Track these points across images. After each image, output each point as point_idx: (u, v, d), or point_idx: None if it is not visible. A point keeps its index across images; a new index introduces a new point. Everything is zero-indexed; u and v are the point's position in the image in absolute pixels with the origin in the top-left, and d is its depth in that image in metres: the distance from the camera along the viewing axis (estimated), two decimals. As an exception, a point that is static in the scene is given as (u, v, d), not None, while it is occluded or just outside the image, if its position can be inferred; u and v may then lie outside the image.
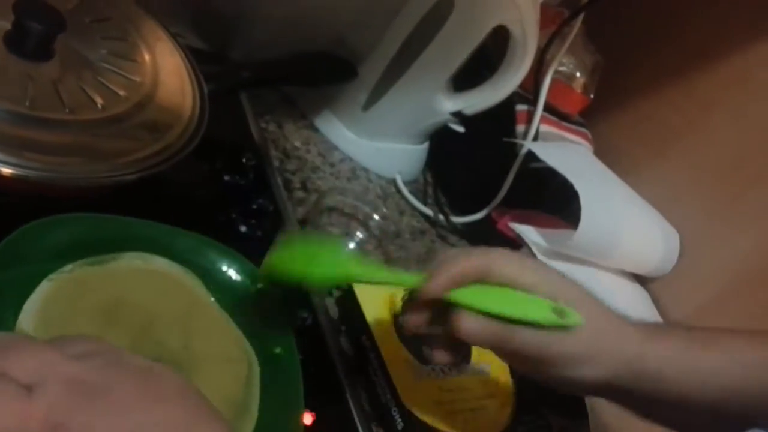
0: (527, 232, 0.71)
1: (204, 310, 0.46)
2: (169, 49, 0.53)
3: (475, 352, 0.57)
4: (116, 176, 0.43)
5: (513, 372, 0.61)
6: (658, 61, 0.83)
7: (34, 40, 0.43)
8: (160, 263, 0.46)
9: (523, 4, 0.64)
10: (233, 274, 0.49)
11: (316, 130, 0.75)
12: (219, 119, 0.53)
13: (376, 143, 0.76)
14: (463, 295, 0.43)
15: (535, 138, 0.75)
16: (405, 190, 0.77)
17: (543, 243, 0.69)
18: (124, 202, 0.45)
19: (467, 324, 0.43)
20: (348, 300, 0.57)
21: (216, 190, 0.58)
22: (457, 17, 0.66)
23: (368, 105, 0.73)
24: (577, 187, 0.66)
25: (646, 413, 0.49)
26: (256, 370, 0.46)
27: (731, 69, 0.76)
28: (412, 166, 0.80)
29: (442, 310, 0.45)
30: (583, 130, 0.82)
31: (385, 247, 0.64)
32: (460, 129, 0.78)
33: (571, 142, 0.80)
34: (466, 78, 0.73)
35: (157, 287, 0.45)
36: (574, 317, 0.43)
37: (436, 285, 0.44)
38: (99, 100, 0.44)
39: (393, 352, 0.54)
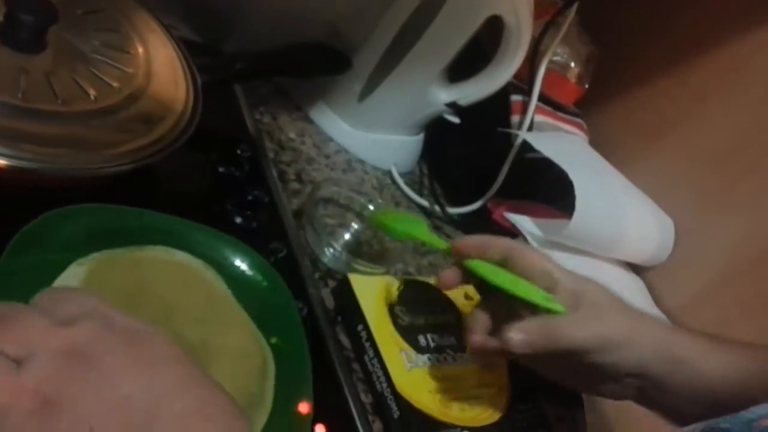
0: (523, 222, 0.71)
1: (222, 304, 0.47)
2: (162, 40, 0.53)
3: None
4: (110, 167, 0.43)
5: (509, 361, 0.62)
6: (652, 51, 0.83)
7: (26, 32, 0.43)
8: (182, 256, 0.47)
9: (516, -7, 0.64)
10: (245, 268, 0.49)
11: (311, 121, 0.75)
12: (213, 111, 0.53)
13: (371, 135, 0.76)
14: (478, 266, 0.52)
15: (530, 128, 0.75)
16: (401, 182, 0.77)
17: (538, 233, 0.70)
18: (118, 194, 0.45)
19: (514, 336, 0.48)
20: (344, 290, 0.57)
21: (211, 181, 0.58)
22: (451, 7, 0.66)
23: (363, 96, 0.73)
24: (572, 176, 0.66)
25: (671, 407, 0.52)
26: (271, 363, 0.46)
27: (725, 59, 0.76)
28: (408, 158, 0.80)
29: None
30: (578, 120, 0.82)
31: (381, 238, 0.64)
32: (455, 120, 0.78)
33: (566, 132, 0.80)
34: (461, 69, 0.73)
35: (178, 279, 0.46)
36: (558, 306, 0.50)
37: (465, 242, 0.54)
38: (92, 92, 0.44)
39: (389, 341, 0.54)
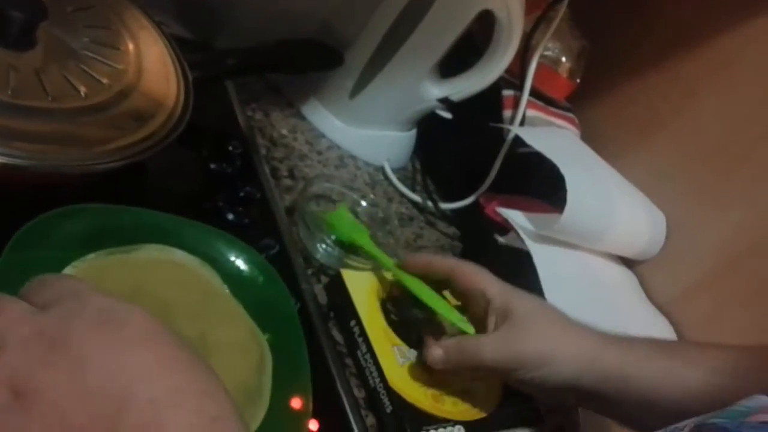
0: (515, 216, 0.71)
1: (219, 300, 0.47)
2: (152, 37, 0.53)
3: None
4: (101, 164, 0.43)
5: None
6: (643, 46, 0.84)
7: (15, 29, 0.43)
8: (178, 255, 0.47)
9: (507, -12, 0.65)
10: (241, 264, 0.49)
11: (303, 118, 0.75)
12: (205, 108, 0.53)
13: (363, 131, 0.76)
14: (408, 281, 0.56)
15: (522, 123, 0.75)
16: (393, 177, 0.77)
17: (530, 227, 0.70)
18: (109, 190, 0.46)
19: (433, 351, 0.52)
20: (336, 286, 0.57)
21: (202, 178, 0.58)
22: (443, 2, 0.66)
23: (355, 92, 0.73)
24: (564, 171, 0.66)
25: (614, 414, 0.54)
26: (269, 357, 0.46)
27: (715, 53, 0.77)
28: (400, 153, 0.80)
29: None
30: (570, 114, 0.82)
31: (374, 234, 0.64)
32: (448, 115, 0.78)
33: (558, 126, 0.80)
34: (453, 64, 0.73)
35: (174, 278, 0.46)
36: (468, 327, 0.54)
37: (414, 259, 0.58)
38: (82, 89, 0.44)
39: (381, 336, 0.55)
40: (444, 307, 0.56)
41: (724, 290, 0.74)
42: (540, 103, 0.78)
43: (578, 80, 0.81)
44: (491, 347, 0.50)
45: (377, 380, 0.52)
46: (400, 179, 0.77)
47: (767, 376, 0.47)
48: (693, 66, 0.79)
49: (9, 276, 0.37)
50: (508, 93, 0.76)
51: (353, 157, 0.76)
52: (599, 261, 0.75)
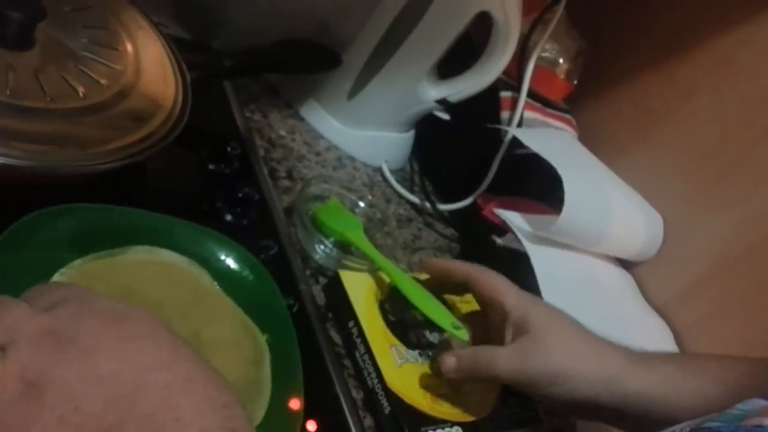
0: (512, 218, 0.71)
1: (210, 297, 0.47)
2: (151, 37, 0.53)
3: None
4: (99, 165, 0.42)
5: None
6: (640, 47, 0.84)
7: (14, 29, 0.43)
8: (166, 255, 0.47)
9: (505, -10, 0.65)
10: (231, 263, 0.49)
11: (301, 119, 0.75)
12: (203, 109, 0.53)
13: (361, 132, 0.76)
14: (403, 284, 0.56)
15: (520, 124, 0.75)
16: (391, 179, 0.77)
17: (528, 228, 0.70)
18: (108, 191, 0.45)
19: (447, 360, 0.51)
20: (334, 287, 0.57)
21: (201, 179, 0.58)
22: (440, 4, 0.66)
23: (353, 93, 0.73)
24: (561, 172, 0.66)
25: (634, 429, 0.51)
26: (266, 351, 0.47)
27: (712, 55, 0.77)
28: (399, 155, 0.81)
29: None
30: (568, 116, 0.82)
31: (372, 235, 0.64)
32: (446, 116, 0.78)
33: (556, 128, 0.80)
34: (451, 65, 0.73)
35: (163, 278, 0.46)
36: (463, 334, 0.54)
37: (434, 263, 0.58)
38: (80, 89, 0.44)
39: (379, 338, 0.55)
40: (436, 310, 0.56)
41: (720, 291, 0.74)
42: (537, 105, 0.79)
43: (575, 82, 0.81)
44: (505, 361, 0.49)
45: (375, 381, 0.52)
46: (398, 180, 0.77)
47: None
48: (689, 67, 0.79)
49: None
50: (505, 94, 0.76)
51: (351, 158, 0.76)
52: (596, 262, 0.76)
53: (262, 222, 0.58)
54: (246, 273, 0.49)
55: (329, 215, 0.61)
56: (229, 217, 0.55)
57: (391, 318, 0.57)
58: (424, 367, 0.55)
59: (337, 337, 0.56)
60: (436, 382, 0.55)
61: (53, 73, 0.44)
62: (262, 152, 0.67)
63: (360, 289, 0.57)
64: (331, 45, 0.69)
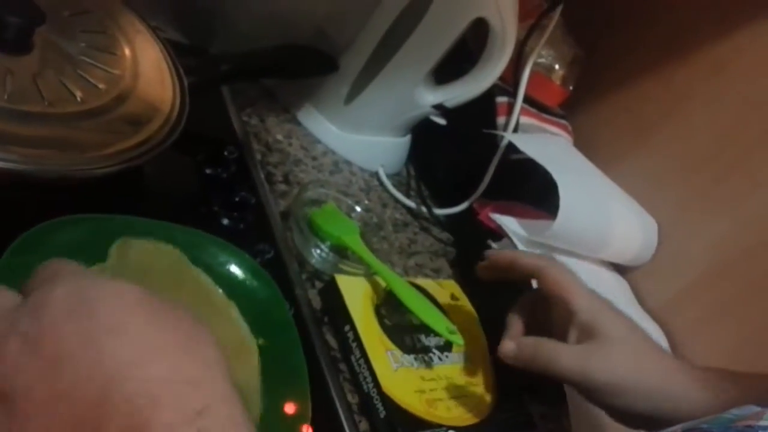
0: (508, 222, 0.71)
1: (213, 302, 0.47)
2: (148, 41, 0.53)
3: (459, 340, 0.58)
4: (97, 169, 0.43)
5: (493, 361, 0.62)
6: (635, 53, 0.84)
7: (12, 34, 0.43)
8: (166, 259, 0.47)
9: (501, -4, 0.65)
10: (234, 269, 0.50)
11: (298, 123, 0.75)
12: (201, 113, 0.53)
13: (358, 136, 0.76)
14: (397, 287, 0.57)
15: (516, 130, 0.76)
16: (388, 183, 0.77)
17: (523, 233, 0.70)
18: (105, 195, 0.46)
19: (506, 344, 0.50)
20: (330, 291, 0.57)
21: (198, 183, 0.58)
22: (437, 9, 0.66)
23: (350, 98, 0.73)
24: (557, 178, 0.67)
25: None
26: (256, 358, 0.47)
27: (707, 61, 0.77)
28: (395, 159, 0.81)
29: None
30: (563, 121, 0.83)
31: (368, 239, 0.65)
32: (442, 121, 0.78)
33: (551, 133, 0.80)
34: (447, 71, 0.73)
35: (166, 282, 0.46)
36: (458, 339, 0.56)
37: (498, 257, 0.56)
38: (78, 94, 0.44)
39: (375, 342, 0.55)
40: (431, 315, 0.56)
41: (715, 296, 0.74)
42: (533, 110, 0.79)
43: (571, 87, 0.82)
44: (570, 359, 0.48)
45: (371, 385, 0.53)
46: (394, 185, 0.78)
47: None
48: (685, 73, 0.80)
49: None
50: (501, 100, 0.76)
51: (348, 163, 0.76)
52: (592, 267, 0.76)
53: (258, 226, 0.58)
54: (249, 279, 0.50)
55: (326, 219, 0.62)
56: (225, 221, 0.56)
57: (387, 322, 0.57)
58: (419, 371, 0.56)
59: (332, 341, 0.56)
60: (431, 387, 0.55)
61: (51, 78, 0.44)
62: (259, 156, 0.67)
63: (356, 294, 0.57)
64: (329, 50, 0.69)
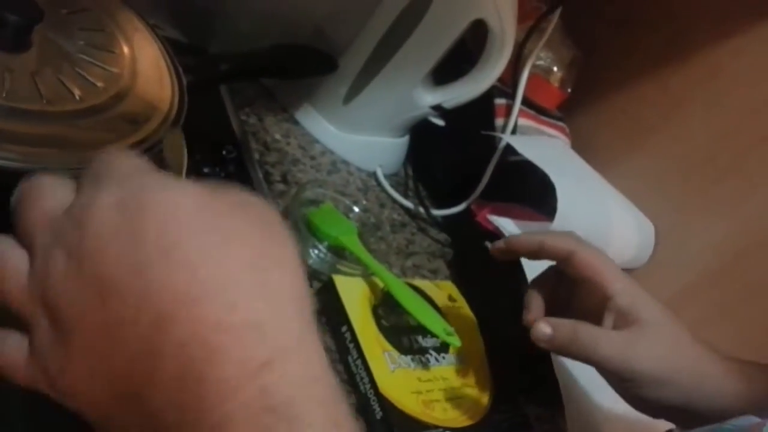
0: (505, 224, 0.71)
1: None
2: (147, 40, 0.53)
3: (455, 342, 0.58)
4: (95, 168, 0.42)
5: (490, 362, 0.62)
6: (633, 56, 0.85)
7: (10, 31, 0.43)
8: None
9: (501, -2, 0.65)
10: None
11: (296, 122, 0.75)
12: (198, 112, 0.53)
13: (356, 136, 0.76)
14: (393, 286, 0.57)
15: (514, 131, 0.76)
16: (385, 183, 0.77)
17: (521, 235, 0.70)
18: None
19: (541, 327, 0.46)
20: (328, 292, 0.57)
21: (196, 182, 0.58)
22: (436, 11, 0.66)
23: (349, 98, 0.73)
24: (554, 179, 0.67)
25: None
26: None
27: (704, 64, 0.78)
28: (393, 160, 0.81)
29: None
30: (561, 124, 0.83)
31: (366, 240, 0.65)
32: (440, 122, 0.78)
33: (549, 135, 0.80)
34: (446, 72, 0.73)
35: None
36: (455, 340, 0.55)
37: (520, 241, 0.52)
38: (77, 92, 0.44)
39: (372, 343, 0.55)
40: (428, 316, 0.56)
41: (710, 299, 0.75)
42: (531, 112, 0.79)
43: (569, 90, 0.82)
44: (611, 346, 0.45)
45: (368, 386, 0.52)
46: (392, 185, 0.78)
47: None
48: (682, 77, 0.80)
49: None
50: (500, 101, 0.77)
51: (346, 163, 0.76)
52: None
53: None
54: None
55: (323, 220, 0.62)
56: (223, 221, 0.55)
57: (384, 323, 0.57)
58: (416, 372, 0.56)
59: (330, 342, 0.56)
60: (428, 388, 0.55)
61: (49, 76, 0.44)
62: (257, 156, 0.67)
63: (353, 294, 0.57)
64: (328, 50, 0.69)
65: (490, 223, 0.72)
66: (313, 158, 0.73)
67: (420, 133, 0.80)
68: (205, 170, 0.58)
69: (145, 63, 0.51)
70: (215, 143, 0.61)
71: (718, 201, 0.75)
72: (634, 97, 0.84)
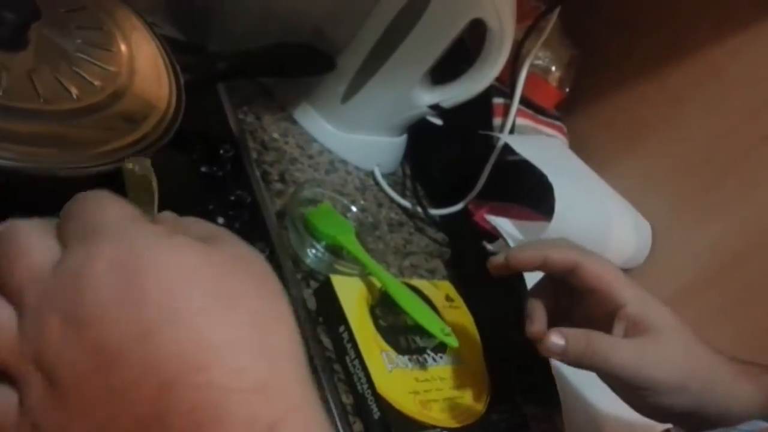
0: (503, 224, 0.71)
1: None
2: (145, 38, 0.53)
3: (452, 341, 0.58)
4: (93, 167, 0.42)
5: (488, 362, 0.62)
6: (632, 57, 0.85)
7: (8, 30, 0.42)
8: None
9: (499, -3, 0.65)
10: None
11: (294, 122, 0.75)
12: (196, 110, 0.52)
13: (354, 135, 0.76)
14: (390, 285, 0.57)
15: (512, 131, 0.76)
16: (383, 183, 0.77)
17: (518, 235, 0.70)
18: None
19: (553, 339, 0.45)
20: (326, 291, 0.57)
21: (193, 181, 0.58)
22: (435, 10, 0.66)
23: (347, 97, 0.73)
24: (552, 179, 0.67)
25: None
26: None
27: (702, 65, 0.78)
28: (391, 159, 0.81)
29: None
30: (559, 123, 0.83)
31: (363, 239, 0.65)
32: (438, 122, 0.78)
33: (547, 135, 0.80)
34: (444, 71, 0.73)
35: None
36: (452, 340, 0.55)
37: (521, 255, 0.50)
38: (74, 90, 0.44)
39: (370, 342, 0.55)
40: (426, 316, 0.56)
41: (708, 300, 0.75)
42: (530, 112, 0.79)
43: (567, 89, 0.82)
44: (626, 354, 0.45)
45: (365, 386, 0.52)
46: (390, 185, 0.77)
47: None
48: (680, 77, 0.80)
49: None
50: (498, 101, 0.76)
51: (344, 162, 0.76)
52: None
53: (254, 225, 0.58)
54: None
55: (321, 219, 0.61)
56: (221, 220, 0.55)
57: (382, 323, 0.57)
58: (414, 372, 0.56)
59: (327, 342, 0.56)
60: (426, 388, 0.55)
61: (47, 74, 0.43)
62: (254, 155, 0.67)
63: (351, 294, 0.57)
64: (326, 49, 0.69)
65: (488, 222, 0.72)
66: (311, 157, 0.73)
67: (418, 133, 0.80)
68: (203, 169, 0.58)
69: (142, 61, 0.51)
70: (213, 142, 0.61)
71: (716, 201, 0.75)
72: (633, 96, 0.84)
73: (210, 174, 0.59)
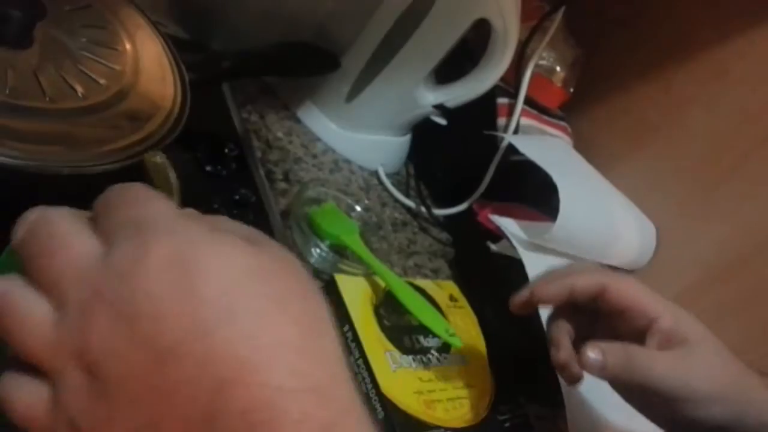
0: (507, 224, 0.71)
1: None
2: (150, 37, 0.53)
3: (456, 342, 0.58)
4: (98, 165, 0.42)
5: (491, 362, 0.62)
6: (636, 57, 0.84)
7: (13, 28, 0.42)
8: None
9: (504, -3, 0.65)
10: None
11: (298, 121, 0.75)
12: (201, 109, 0.52)
13: (358, 135, 0.76)
14: (395, 286, 0.57)
15: (516, 131, 0.76)
16: (387, 182, 0.77)
17: (522, 235, 0.70)
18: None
19: (590, 354, 0.44)
20: (330, 291, 0.57)
21: (197, 180, 0.58)
22: (439, 10, 0.66)
23: (351, 96, 0.73)
24: (556, 179, 0.67)
25: None
26: None
27: (707, 66, 0.77)
28: (395, 158, 0.81)
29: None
30: (563, 123, 0.83)
31: (367, 239, 0.65)
32: (442, 121, 0.78)
33: (551, 135, 0.80)
34: (449, 71, 0.73)
35: None
36: (456, 340, 0.56)
37: (545, 289, 0.49)
38: (79, 89, 0.44)
39: (374, 342, 0.55)
40: (430, 316, 0.56)
41: (712, 301, 0.74)
42: (534, 112, 0.79)
43: (572, 90, 0.82)
44: (666, 367, 0.44)
45: (369, 386, 0.52)
46: (394, 184, 0.77)
47: None
48: (685, 78, 0.80)
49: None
50: (502, 101, 0.76)
51: (348, 161, 0.76)
52: (590, 269, 0.76)
53: (258, 224, 0.56)
54: None
55: (325, 218, 0.61)
56: (225, 219, 0.55)
57: (386, 323, 0.57)
58: (418, 372, 0.55)
59: (331, 341, 0.56)
60: (430, 388, 0.55)
61: (52, 73, 0.43)
62: (259, 154, 0.67)
63: (355, 294, 0.57)
64: (330, 48, 0.69)
65: (492, 222, 0.72)
66: (315, 157, 0.73)
67: (422, 132, 0.80)
68: (207, 168, 0.58)
69: (147, 60, 0.51)
70: (217, 141, 0.61)
71: (720, 202, 0.75)
72: (637, 97, 0.83)
73: (214, 173, 0.59)
